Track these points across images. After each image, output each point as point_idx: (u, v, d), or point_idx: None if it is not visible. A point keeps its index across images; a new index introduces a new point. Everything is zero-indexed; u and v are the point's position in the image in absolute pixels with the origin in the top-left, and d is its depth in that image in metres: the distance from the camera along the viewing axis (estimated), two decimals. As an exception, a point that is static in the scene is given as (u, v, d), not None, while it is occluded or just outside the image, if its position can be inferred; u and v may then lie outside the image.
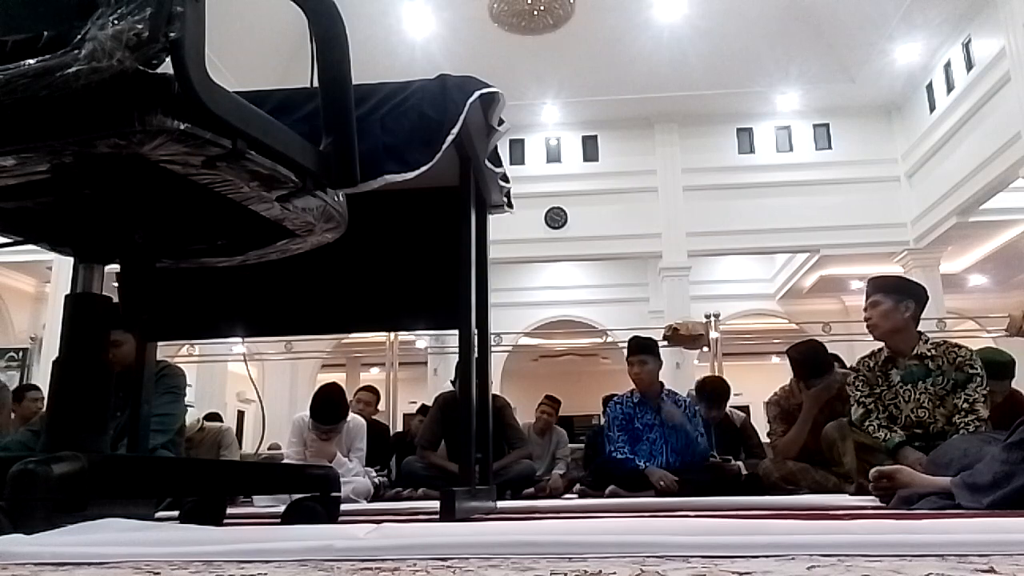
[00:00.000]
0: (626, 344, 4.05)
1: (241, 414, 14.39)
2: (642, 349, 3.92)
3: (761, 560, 0.70)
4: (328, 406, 3.77)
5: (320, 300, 2.19)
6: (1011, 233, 10.62)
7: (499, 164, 2.28)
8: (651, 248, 11.36)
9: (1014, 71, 8.05)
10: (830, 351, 3.74)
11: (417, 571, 0.67)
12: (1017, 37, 7.97)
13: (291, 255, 1.32)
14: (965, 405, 2.69)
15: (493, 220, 2.51)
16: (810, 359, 3.57)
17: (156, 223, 1.26)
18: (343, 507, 1.66)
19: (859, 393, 2.89)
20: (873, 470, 2.14)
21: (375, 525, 0.98)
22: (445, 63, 9.19)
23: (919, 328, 2.92)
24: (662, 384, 3.95)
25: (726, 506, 2.50)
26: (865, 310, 2.95)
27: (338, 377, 15.68)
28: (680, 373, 8.85)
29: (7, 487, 0.89)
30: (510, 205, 2.50)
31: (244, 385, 13.23)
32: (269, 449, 6.50)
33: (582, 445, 5.64)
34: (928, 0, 8.98)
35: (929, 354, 2.83)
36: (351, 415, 4.12)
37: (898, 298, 2.87)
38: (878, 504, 2.15)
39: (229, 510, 1.79)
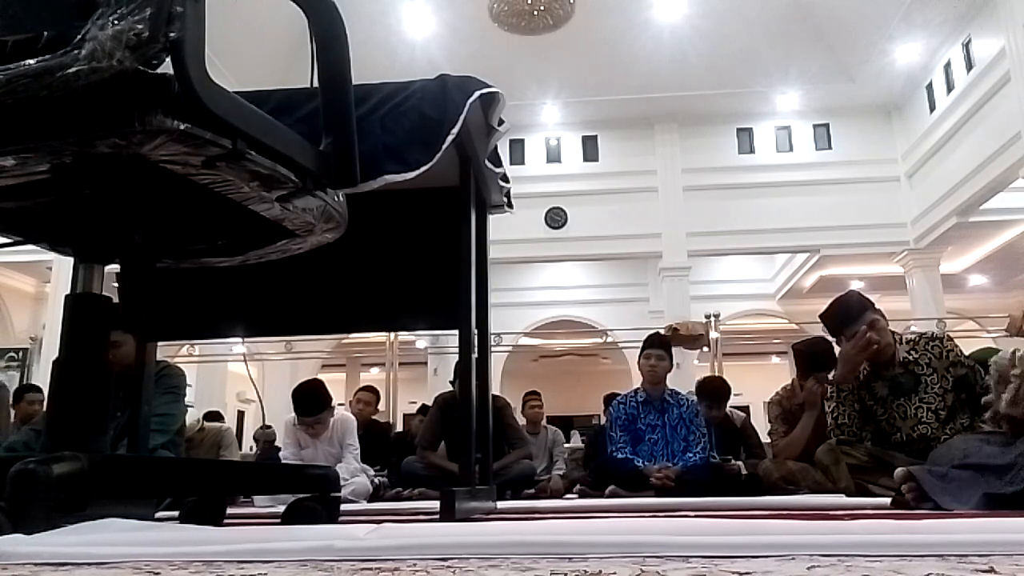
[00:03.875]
0: (626, 344, 4.08)
1: (241, 414, 14.39)
2: (662, 344, 4.04)
3: (761, 560, 0.70)
4: (307, 397, 3.83)
5: (320, 300, 2.19)
6: (1011, 233, 10.63)
7: (499, 164, 2.28)
8: (651, 248, 11.36)
9: (1014, 71, 8.06)
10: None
11: (417, 571, 0.67)
12: (1017, 37, 7.97)
13: (291, 255, 1.32)
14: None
15: (493, 220, 2.51)
16: (819, 352, 3.52)
17: (156, 223, 1.26)
18: (343, 507, 1.66)
19: (841, 416, 2.76)
20: (898, 471, 2.05)
21: (375, 525, 0.98)
22: (445, 63, 9.19)
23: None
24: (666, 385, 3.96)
25: (726, 506, 2.50)
26: (870, 335, 2.70)
27: (338, 377, 15.73)
28: (680, 373, 8.84)
29: (7, 487, 0.89)
30: (510, 205, 2.49)
31: (244, 385, 13.24)
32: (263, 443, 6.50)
33: (582, 445, 5.65)
34: (928, 0, 8.98)
35: (912, 358, 2.72)
36: (342, 412, 4.14)
37: (876, 310, 2.79)
38: (878, 504, 2.14)
39: (229, 510, 1.79)
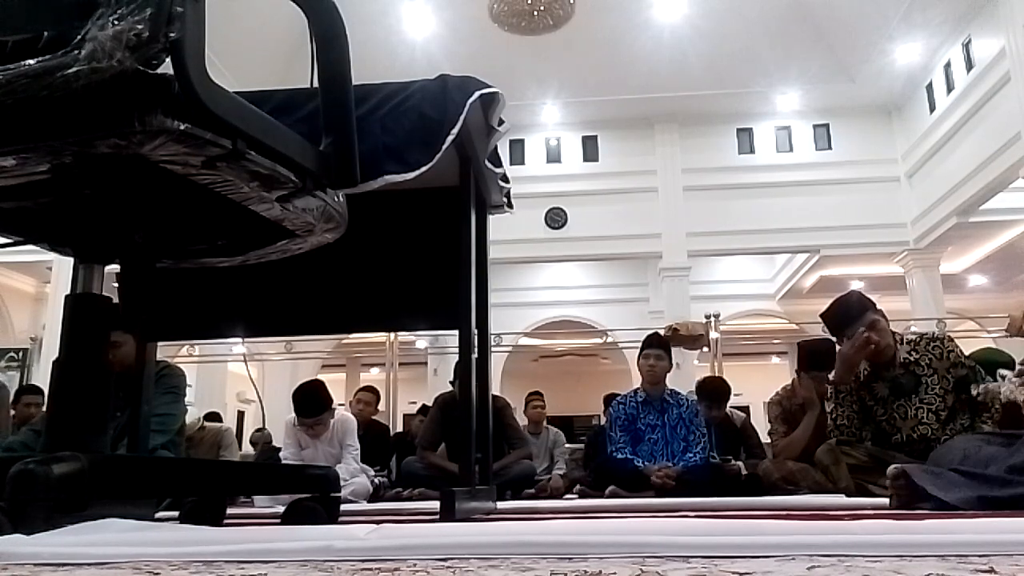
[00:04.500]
0: (626, 344, 4.08)
1: (241, 414, 14.39)
2: (661, 344, 4.05)
3: (761, 560, 0.70)
4: (308, 398, 3.82)
5: (320, 300, 2.19)
6: (1011, 233, 10.62)
7: (499, 164, 2.28)
8: (651, 248, 11.36)
9: (1014, 71, 8.06)
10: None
11: (417, 571, 0.67)
12: (1017, 37, 7.97)
13: (291, 255, 1.32)
14: (989, 399, 2.61)
15: (493, 220, 2.51)
16: (821, 352, 3.51)
17: (156, 223, 1.26)
18: (343, 507, 1.66)
19: (840, 417, 2.76)
20: (891, 468, 2.06)
21: (375, 525, 0.98)
22: (445, 63, 9.19)
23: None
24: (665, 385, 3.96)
25: (726, 506, 2.50)
26: (868, 335, 2.70)
27: (338, 377, 15.72)
28: (680, 373, 8.84)
29: (7, 487, 0.89)
30: (510, 205, 2.50)
31: (244, 385, 13.23)
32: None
33: (582, 445, 5.66)
34: (928, 0, 8.98)
35: (912, 359, 2.72)
36: (341, 413, 4.13)
37: (876, 310, 2.78)
38: (878, 504, 2.14)
39: (229, 510, 1.79)
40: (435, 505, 1.83)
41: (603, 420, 5.89)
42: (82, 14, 0.82)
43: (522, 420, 5.41)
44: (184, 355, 7.43)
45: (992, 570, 0.62)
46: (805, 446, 3.36)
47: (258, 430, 6.67)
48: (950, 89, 9.82)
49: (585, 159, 11.92)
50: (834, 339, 3.01)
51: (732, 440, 4.32)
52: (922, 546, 0.74)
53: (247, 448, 9.62)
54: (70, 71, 0.79)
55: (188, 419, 3.84)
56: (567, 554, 0.75)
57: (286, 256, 1.32)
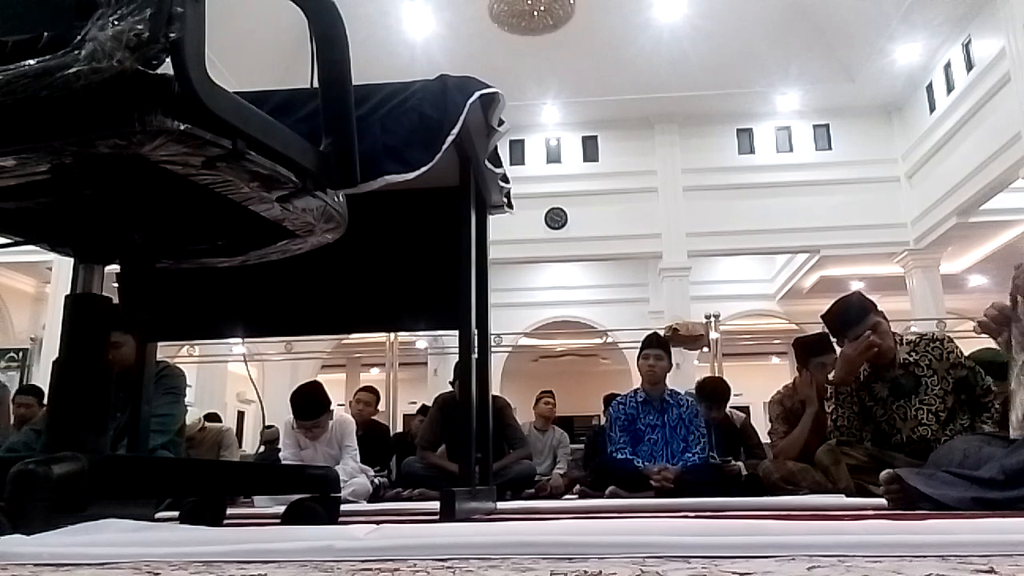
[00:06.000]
0: (626, 345, 4.08)
1: (241, 414, 14.39)
2: (660, 344, 4.05)
3: (761, 560, 0.70)
4: (306, 401, 3.82)
5: (320, 300, 2.19)
6: (1011, 233, 10.63)
7: (499, 164, 2.28)
8: (651, 248, 11.36)
9: (1014, 71, 8.06)
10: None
11: (417, 571, 0.67)
12: (1017, 37, 7.97)
13: (291, 255, 1.32)
14: (987, 399, 2.63)
15: (493, 220, 2.51)
16: (817, 341, 3.51)
17: (156, 223, 1.26)
18: (343, 508, 1.66)
19: (841, 418, 2.75)
20: (883, 473, 2.07)
21: (375, 525, 0.98)
22: (445, 63, 9.19)
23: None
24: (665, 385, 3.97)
25: (726, 506, 2.50)
26: (872, 339, 2.68)
27: (338, 377, 15.73)
28: (680, 373, 8.84)
29: (7, 487, 0.89)
30: (510, 205, 2.50)
31: (244, 385, 13.23)
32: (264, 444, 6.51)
33: (582, 445, 5.68)
34: (928, 0, 8.98)
35: (912, 359, 2.72)
36: (340, 414, 4.13)
37: (878, 312, 2.78)
38: (878, 504, 2.14)
39: (229, 510, 1.79)
40: (435, 505, 1.83)
41: (603, 420, 5.91)
42: (82, 14, 0.82)
43: (530, 417, 5.48)
44: (184, 355, 7.43)
45: (992, 570, 0.62)
46: (805, 443, 3.36)
47: (267, 427, 6.69)
48: (950, 89, 9.82)
49: (585, 159, 11.92)
50: (833, 340, 3.01)
51: (732, 440, 4.32)
52: (922, 546, 0.74)
53: (248, 448, 9.62)
54: (70, 71, 0.79)
55: (189, 419, 3.85)
56: (567, 554, 0.75)
57: (286, 256, 1.32)
